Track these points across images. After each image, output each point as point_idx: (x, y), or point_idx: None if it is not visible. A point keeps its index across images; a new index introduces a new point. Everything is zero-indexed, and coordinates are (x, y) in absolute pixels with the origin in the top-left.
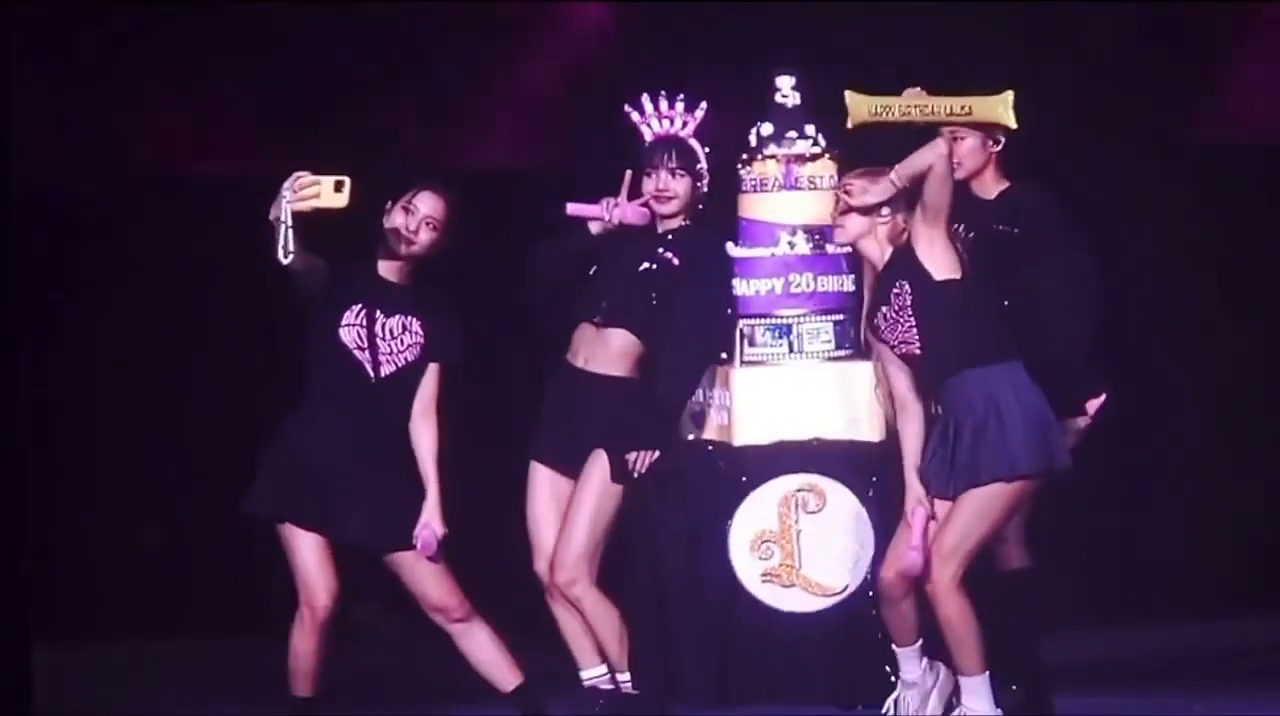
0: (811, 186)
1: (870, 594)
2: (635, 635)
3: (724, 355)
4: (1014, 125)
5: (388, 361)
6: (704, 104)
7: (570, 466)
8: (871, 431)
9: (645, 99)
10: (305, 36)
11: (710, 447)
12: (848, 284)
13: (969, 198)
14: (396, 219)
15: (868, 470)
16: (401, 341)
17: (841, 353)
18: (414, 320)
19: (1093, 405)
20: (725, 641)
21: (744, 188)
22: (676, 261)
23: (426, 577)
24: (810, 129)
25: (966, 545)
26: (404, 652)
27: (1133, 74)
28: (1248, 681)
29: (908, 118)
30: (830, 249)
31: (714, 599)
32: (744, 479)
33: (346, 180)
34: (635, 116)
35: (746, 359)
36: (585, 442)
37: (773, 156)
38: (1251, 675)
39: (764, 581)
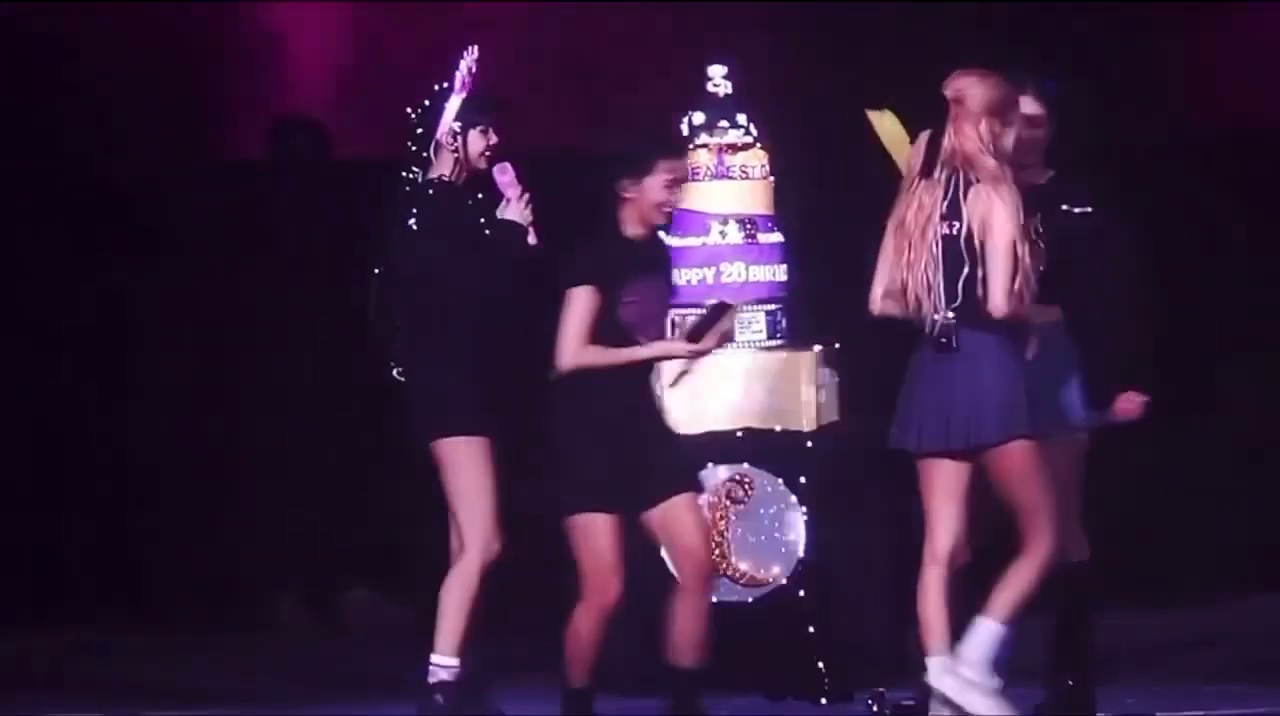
0: (743, 176)
1: (800, 584)
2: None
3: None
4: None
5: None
6: None
7: None
8: (801, 421)
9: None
10: None
11: None
12: (779, 274)
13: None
14: (659, 195)
15: (798, 460)
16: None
17: (773, 343)
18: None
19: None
20: (654, 631)
21: None
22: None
23: (695, 526)
24: (742, 118)
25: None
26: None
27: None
28: (1185, 674)
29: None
30: (761, 238)
31: (643, 588)
32: None
33: None
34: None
35: None
36: None
37: (704, 145)
38: (1187, 668)
39: None
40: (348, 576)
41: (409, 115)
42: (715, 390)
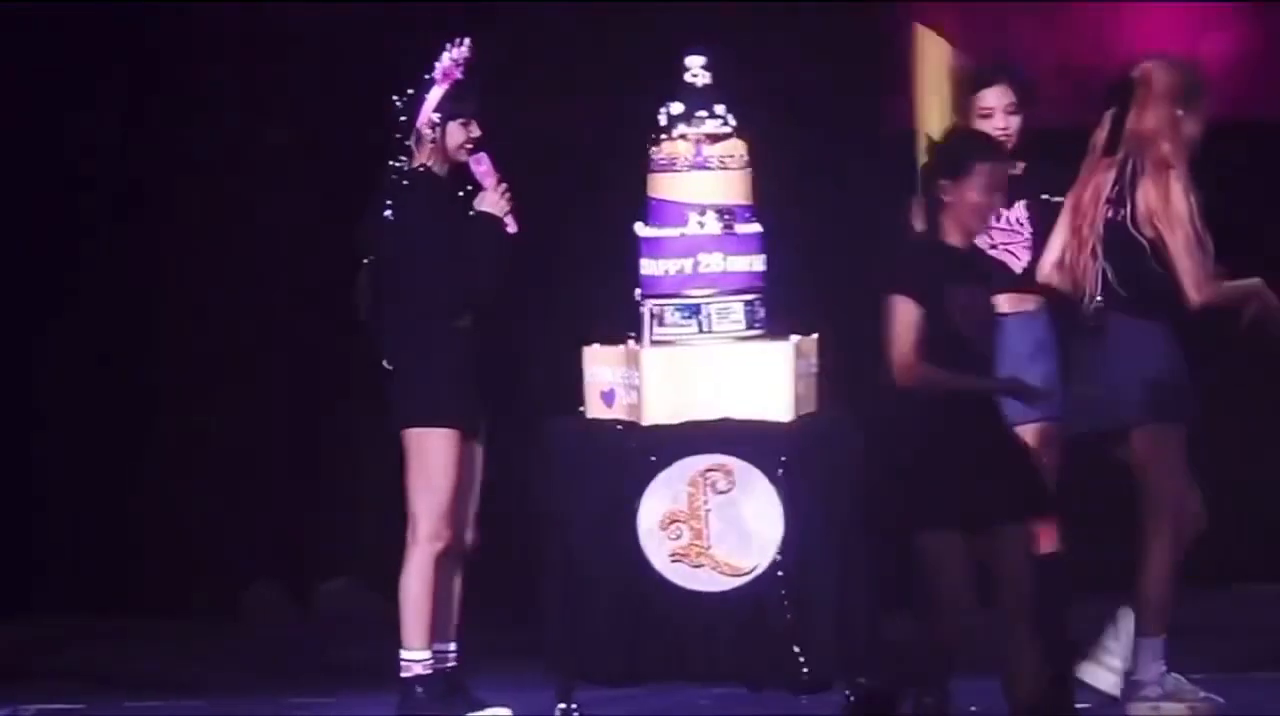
0: (721, 166)
1: (779, 574)
2: (544, 614)
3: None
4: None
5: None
6: None
7: None
8: (781, 411)
9: None
10: None
11: (619, 427)
12: (757, 264)
13: None
14: (977, 198)
15: (777, 450)
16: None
17: (751, 332)
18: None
19: None
20: (634, 621)
21: (654, 167)
22: None
23: (1023, 561)
24: (720, 108)
25: None
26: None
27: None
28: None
29: None
30: (739, 229)
31: (622, 578)
32: (653, 458)
33: None
34: None
35: (655, 339)
36: None
37: (683, 136)
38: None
39: (673, 561)
40: (329, 566)
41: (394, 103)
42: (694, 380)
